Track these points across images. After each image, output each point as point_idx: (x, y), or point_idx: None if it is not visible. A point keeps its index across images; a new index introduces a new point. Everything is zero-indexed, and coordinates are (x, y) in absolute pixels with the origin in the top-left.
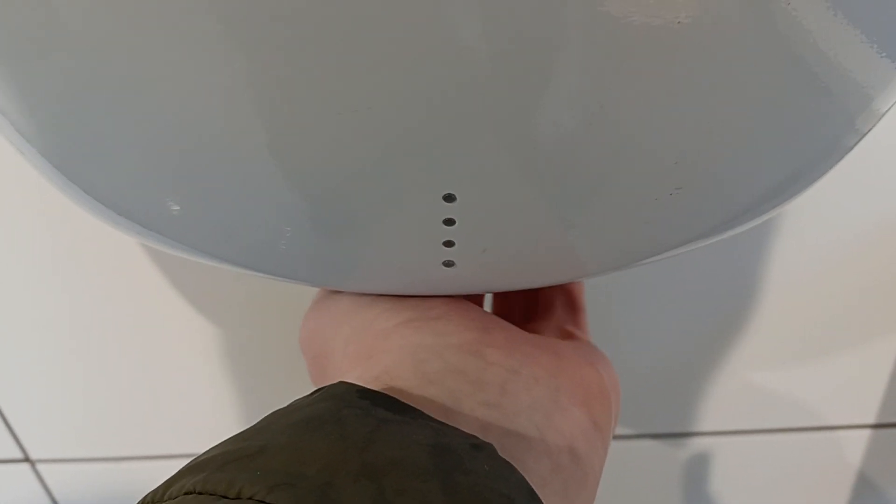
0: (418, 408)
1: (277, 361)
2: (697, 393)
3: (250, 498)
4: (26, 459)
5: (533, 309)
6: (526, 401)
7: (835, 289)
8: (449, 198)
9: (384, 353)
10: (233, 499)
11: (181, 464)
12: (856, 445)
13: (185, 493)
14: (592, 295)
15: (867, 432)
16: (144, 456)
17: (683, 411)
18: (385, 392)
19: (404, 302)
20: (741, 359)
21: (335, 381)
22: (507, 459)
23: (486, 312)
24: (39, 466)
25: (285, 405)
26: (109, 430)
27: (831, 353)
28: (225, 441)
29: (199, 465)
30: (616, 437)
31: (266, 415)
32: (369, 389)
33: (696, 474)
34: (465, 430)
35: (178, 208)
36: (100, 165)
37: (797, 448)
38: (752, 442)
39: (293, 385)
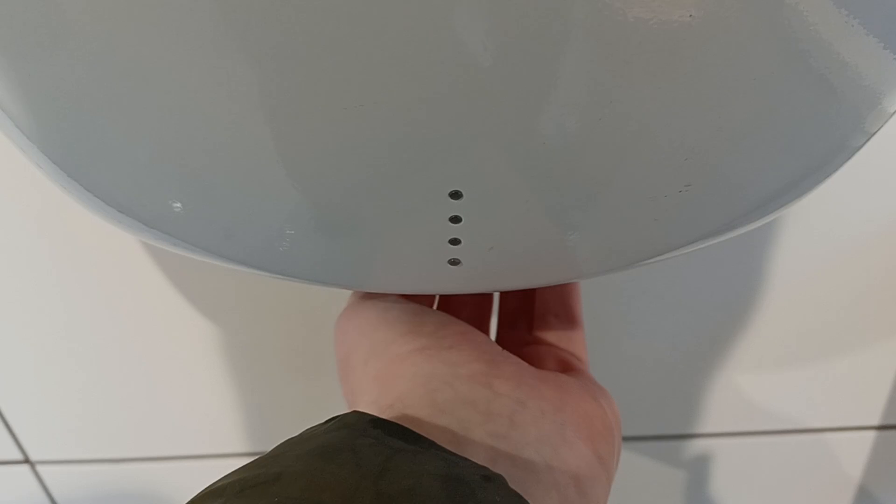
0: (429, 437)
1: (278, 362)
2: (699, 394)
3: None
4: (26, 461)
5: (530, 319)
6: (533, 433)
7: (838, 289)
8: (455, 195)
9: (398, 379)
10: None
11: (180, 465)
12: (859, 447)
13: None
14: (594, 295)
15: (871, 434)
16: (144, 457)
17: (684, 412)
18: (398, 421)
19: (421, 328)
20: (743, 360)
21: (353, 396)
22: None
23: (494, 344)
24: (39, 468)
25: (282, 416)
26: (109, 431)
27: (834, 354)
28: (241, 468)
29: (216, 491)
30: None
31: (265, 431)
32: (382, 419)
33: (698, 476)
34: (474, 459)
35: (180, 206)
36: (102, 163)
37: (799, 450)
38: (753, 444)
39: (294, 386)
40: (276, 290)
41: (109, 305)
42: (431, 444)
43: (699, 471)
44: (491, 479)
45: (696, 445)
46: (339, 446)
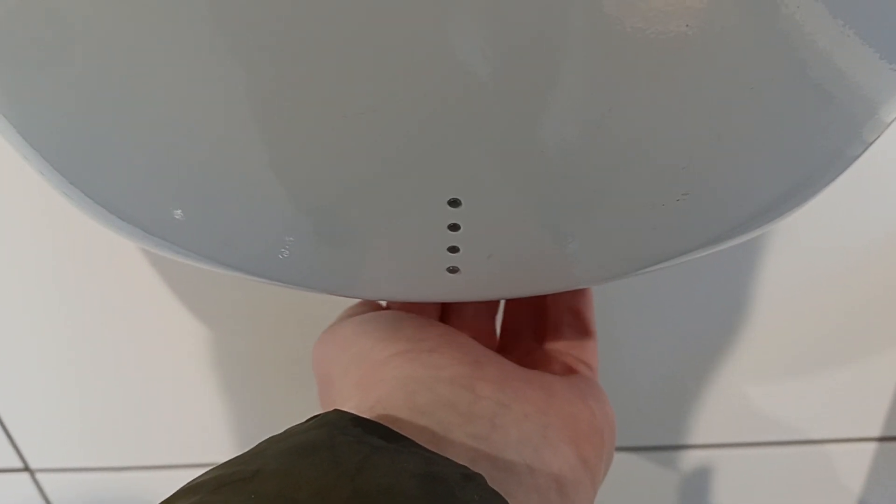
0: (409, 437)
1: (276, 373)
2: (698, 404)
3: None
4: (26, 468)
5: (542, 329)
6: (515, 435)
7: (839, 300)
8: (454, 203)
9: (378, 383)
10: None
11: (178, 474)
12: (859, 459)
13: None
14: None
15: (871, 446)
16: (142, 466)
17: (683, 423)
18: (378, 421)
19: (399, 332)
20: (740, 370)
21: (332, 408)
22: None
23: (479, 346)
24: (39, 476)
25: (280, 425)
26: (108, 440)
27: (835, 365)
28: (220, 465)
29: (193, 488)
30: None
31: (261, 440)
32: (362, 418)
33: (696, 487)
34: (454, 460)
35: (180, 213)
36: (103, 170)
37: (799, 461)
38: (753, 455)
39: (291, 397)
40: (276, 300)
41: (109, 314)
42: (411, 444)
43: (697, 482)
44: (471, 478)
45: (695, 456)
46: (318, 444)
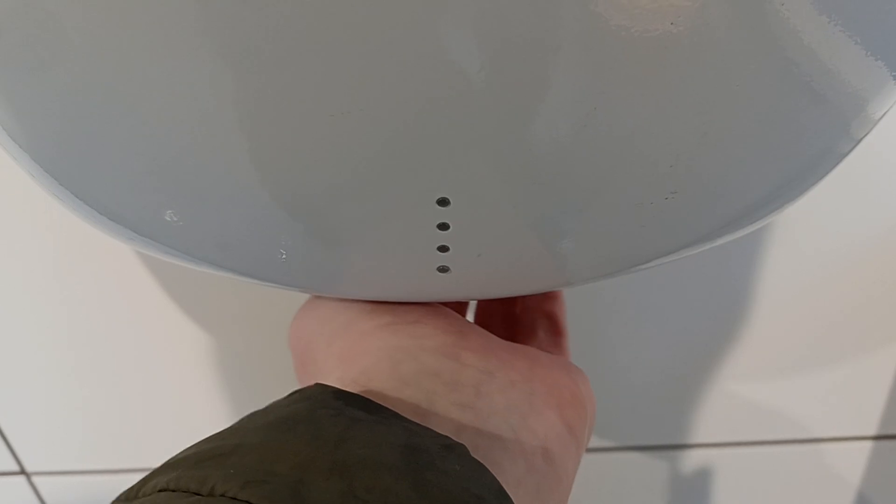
0: (393, 408)
1: (274, 376)
2: (694, 404)
3: (223, 495)
4: (22, 472)
5: (514, 331)
6: (501, 402)
7: (834, 299)
8: (443, 202)
9: (363, 355)
10: (206, 496)
11: None
12: (856, 457)
13: (159, 491)
14: (584, 305)
15: (867, 444)
16: (140, 468)
17: (679, 422)
18: (361, 394)
19: (384, 305)
20: (739, 369)
21: (315, 382)
22: (484, 461)
23: (462, 318)
24: (35, 479)
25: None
26: (105, 442)
27: (831, 363)
28: (200, 441)
29: (173, 464)
30: (608, 449)
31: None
32: (343, 391)
33: (692, 486)
34: (439, 431)
35: (170, 214)
36: (93, 171)
37: (796, 460)
38: (748, 454)
39: None
40: (275, 302)
41: (106, 316)
42: (393, 415)
43: (694, 481)
44: (452, 448)
45: (691, 456)
46: (299, 417)
